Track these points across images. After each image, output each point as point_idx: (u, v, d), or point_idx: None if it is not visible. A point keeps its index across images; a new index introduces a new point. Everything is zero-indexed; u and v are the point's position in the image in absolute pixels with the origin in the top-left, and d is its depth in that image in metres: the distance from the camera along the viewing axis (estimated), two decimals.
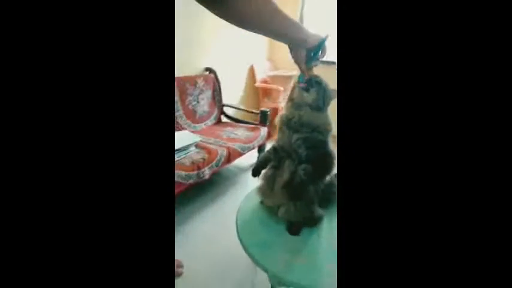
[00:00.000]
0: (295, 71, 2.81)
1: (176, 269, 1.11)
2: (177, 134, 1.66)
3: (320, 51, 0.66)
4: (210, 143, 1.70)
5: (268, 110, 2.10)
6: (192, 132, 1.88)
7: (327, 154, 0.79)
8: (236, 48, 2.54)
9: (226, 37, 2.36)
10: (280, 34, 0.55)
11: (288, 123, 0.76)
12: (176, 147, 1.47)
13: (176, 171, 1.31)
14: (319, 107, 0.73)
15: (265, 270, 0.71)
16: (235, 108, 2.36)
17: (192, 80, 1.97)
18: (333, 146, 0.82)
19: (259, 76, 2.85)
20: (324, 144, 0.77)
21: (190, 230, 1.40)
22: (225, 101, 2.28)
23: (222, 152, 1.59)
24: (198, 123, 2.00)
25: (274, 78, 2.83)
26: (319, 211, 0.83)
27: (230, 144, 1.70)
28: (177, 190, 1.30)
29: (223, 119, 2.28)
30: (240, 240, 0.77)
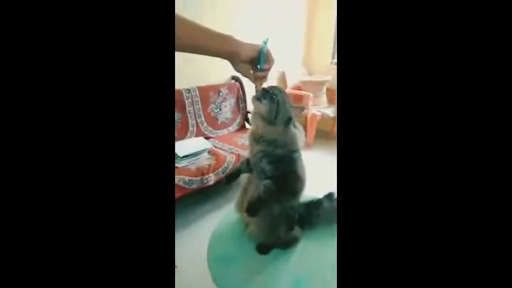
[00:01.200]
0: (330, 76, 2.72)
1: None
2: (191, 140, 1.76)
3: (264, 61, 0.62)
4: (224, 150, 1.75)
5: (303, 106, 2.05)
6: (212, 138, 1.97)
7: (291, 171, 0.74)
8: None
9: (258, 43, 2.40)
10: (207, 50, 0.55)
11: (252, 135, 0.75)
12: (188, 152, 1.57)
13: (179, 176, 1.39)
14: (271, 120, 0.70)
15: (217, 285, 0.72)
16: None
17: (215, 89, 2.07)
18: (302, 165, 0.77)
19: (292, 82, 2.81)
20: (288, 160, 0.74)
21: (189, 234, 1.46)
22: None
23: (231, 159, 1.63)
24: (219, 129, 2.09)
25: (308, 84, 2.75)
26: (292, 233, 0.79)
27: (241, 152, 1.73)
28: (178, 194, 1.38)
29: (248, 125, 2.32)
30: (207, 251, 0.79)
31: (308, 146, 2.67)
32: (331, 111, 2.64)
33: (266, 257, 0.76)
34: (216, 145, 1.83)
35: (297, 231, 0.81)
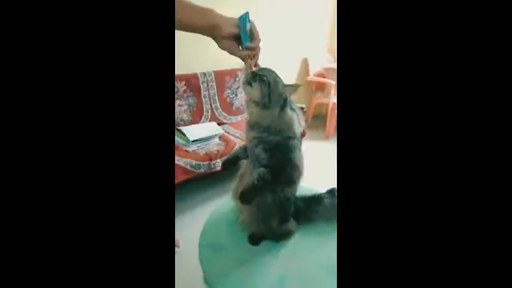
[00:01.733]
0: None
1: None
2: (202, 124, 1.76)
3: (247, 38, 0.56)
4: (235, 136, 1.73)
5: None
6: (226, 123, 1.95)
7: (286, 160, 0.69)
8: (290, 41, 2.44)
9: (280, 29, 2.30)
10: (186, 25, 0.50)
11: (248, 122, 0.71)
12: (198, 137, 1.56)
13: (187, 159, 1.40)
14: (265, 104, 0.65)
15: (203, 270, 0.71)
16: None
17: (232, 74, 2.03)
18: (300, 154, 0.71)
19: (315, 69, 2.67)
20: (284, 148, 0.68)
21: (191, 217, 1.47)
22: None
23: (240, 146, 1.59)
24: (234, 115, 2.06)
25: (331, 71, 2.60)
26: (286, 226, 0.75)
27: None
28: (185, 177, 1.39)
29: None
30: (199, 237, 0.78)
31: (327, 136, 2.55)
32: None
33: (256, 248, 0.73)
34: (229, 131, 1.81)
35: (291, 224, 0.77)
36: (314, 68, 2.68)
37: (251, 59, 0.60)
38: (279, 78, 0.65)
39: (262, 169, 0.67)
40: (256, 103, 0.65)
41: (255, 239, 0.75)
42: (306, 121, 2.18)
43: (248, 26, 0.54)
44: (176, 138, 1.59)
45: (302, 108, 0.70)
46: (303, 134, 2.21)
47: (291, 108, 0.70)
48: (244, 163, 0.78)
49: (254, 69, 0.64)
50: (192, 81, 1.82)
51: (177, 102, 1.76)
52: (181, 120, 1.77)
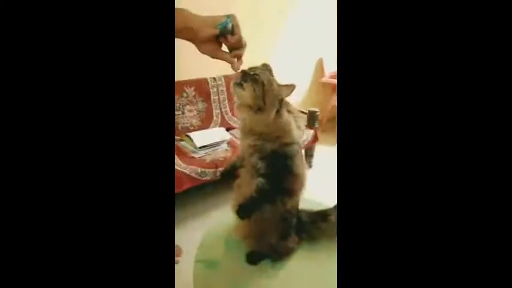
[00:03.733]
0: None
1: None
2: (210, 130, 1.73)
3: (230, 34, 0.50)
4: None
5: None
6: (236, 128, 1.91)
7: (285, 168, 0.63)
8: (305, 40, 2.36)
9: (290, 30, 2.23)
10: None
11: (241, 129, 0.65)
12: (206, 143, 1.54)
13: (192, 167, 1.37)
14: (259, 108, 0.58)
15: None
16: None
17: None
18: (300, 161, 0.64)
19: (331, 70, 2.57)
20: (281, 155, 0.62)
21: (195, 226, 1.43)
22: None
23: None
24: None
25: None
26: (286, 242, 0.68)
27: None
28: (190, 184, 1.37)
29: None
30: (196, 251, 0.74)
31: None
32: None
33: (253, 268, 0.68)
34: (238, 136, 1.77)
35: (292, 240, 0.70)
36: (330, 69, 2.57)
37: (237, 59, 0.54)
38: (273, 77, 0.59)
39: (260, 179, 0.61)
40: (249, 107, 0.59)
41: (253, 258, 0.69)
42: (320, 124, 2.10)
43: (229, 25, 0.48)
44: (184, 144, 1.58)
45: (293, 86, 0.61)
46: (314, 139, 2.10)
47: (288, 111, 0.63)
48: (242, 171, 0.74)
49: (241, 69, 0.57)
50: (202, 86, 1.80)
51: (186, 107, 1.75)
52: (191, 125, 1.76)
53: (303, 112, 1.93)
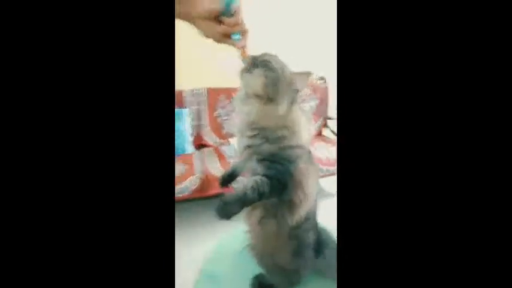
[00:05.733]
0: None
1: None
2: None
3: (231, 11, 0.44)
4: None
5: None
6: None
7: (286, 175, 0.50)
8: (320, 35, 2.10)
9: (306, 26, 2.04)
10: None
11: (241, 125, 0.55)
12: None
13: None
14: (271, 97, 0.48)
15: None
16: None
17: None
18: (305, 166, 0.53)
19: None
20: (283, 159, 0.50)
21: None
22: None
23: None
24: None
25: None
26: (299, 271, 0.58)
27: None
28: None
29: (328, 133, 2.05)
30: (202, 266, 0.69)
31: None
32: None
33: None
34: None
35: (304, 259, 0.57)
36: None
37: (243, 48, 0.47)
38: (287, 66, 0.50)
39: (262, 178, 0.49)
40: (259, 96, 0.49)
41: (258, 285, 0.60)
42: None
43: (234, 3, 0.43)
44: (225, 148, 1.58)
45: (308, 74, 0.52)
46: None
47: (300, 107, 0.52)
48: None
49: (246, 56, 0.49)
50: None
51: (233, 114, 1.77)
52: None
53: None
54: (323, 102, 2.02)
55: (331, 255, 0.59)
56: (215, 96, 1.84)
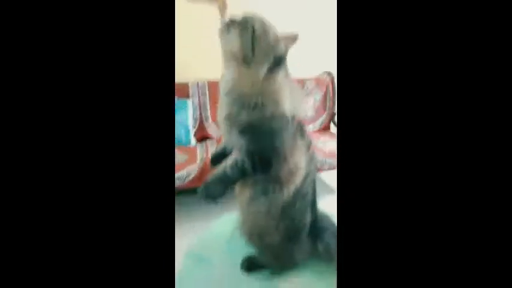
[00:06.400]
0: None
1: None
2: None
3: None
4: None
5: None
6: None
7: (269, 149, 0.47)
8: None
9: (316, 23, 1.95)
10: None
11: (222, 90, 0.51)
12: None
13: None
14: (247, 59, 0.45)
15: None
16: None
17: (299, 82, 1.89)
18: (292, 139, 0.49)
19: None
20: (265, 130, 0.47)
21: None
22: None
23: None
24: None
25: None
26: (293, 253, 0.55)
27: None
28: None
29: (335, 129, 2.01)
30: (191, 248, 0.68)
31: None
32: None
33: (246, 278, 0.57)
34: None
35: (301, 251, 0.55)
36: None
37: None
38: (271, 27, 0.46)
39: (240, 157, 0.47)
40: (235, 57, 0.46)
41: (248, 265, 0.59)
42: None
43: None
44: None
45: (295, 37, 0.48)
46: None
47: (287, 75, 0.48)
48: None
49: (225, 6, 0.49)
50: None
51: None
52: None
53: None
54: (330, 97, 1.98)
55: (330, 239, 0.55)
56: (216, 88, 1.83)
